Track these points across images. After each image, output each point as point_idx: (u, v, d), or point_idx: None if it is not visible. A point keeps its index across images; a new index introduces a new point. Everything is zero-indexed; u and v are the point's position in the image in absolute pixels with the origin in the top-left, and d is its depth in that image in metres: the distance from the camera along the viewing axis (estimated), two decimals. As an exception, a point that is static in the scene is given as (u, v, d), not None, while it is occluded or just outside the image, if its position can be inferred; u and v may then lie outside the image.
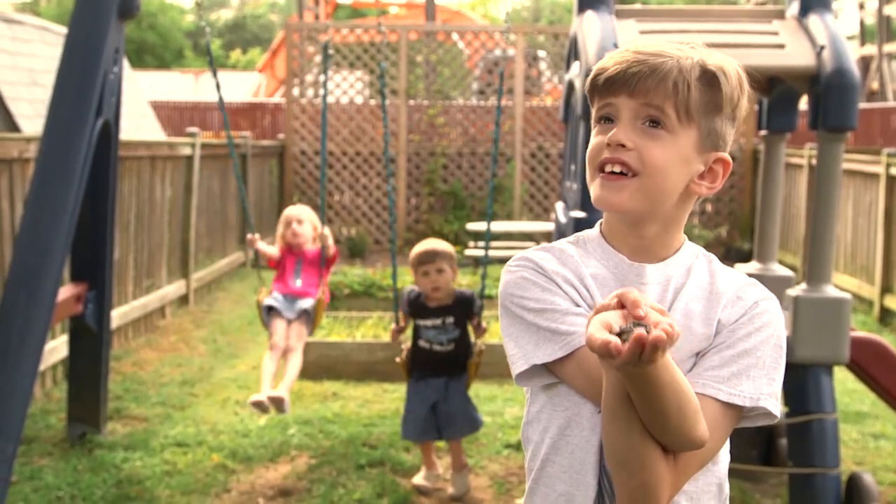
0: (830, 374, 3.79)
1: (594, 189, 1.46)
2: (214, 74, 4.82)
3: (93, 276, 4.84)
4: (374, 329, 7.01)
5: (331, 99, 12.32)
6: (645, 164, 1.42)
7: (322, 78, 4.33)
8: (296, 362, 4.75)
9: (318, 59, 12.34)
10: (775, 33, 3.99)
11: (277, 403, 4.46)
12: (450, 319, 4.31)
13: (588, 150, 1.48)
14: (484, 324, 4.40)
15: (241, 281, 10.18)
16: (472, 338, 4.41)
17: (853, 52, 4.99)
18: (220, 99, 4.85)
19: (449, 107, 12.61)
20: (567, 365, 1.43)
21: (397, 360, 4.47)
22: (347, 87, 12.65)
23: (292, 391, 4.97)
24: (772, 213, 4.61)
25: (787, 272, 4.55)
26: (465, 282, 7.76)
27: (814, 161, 4.95)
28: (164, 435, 5.06)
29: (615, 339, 1.18)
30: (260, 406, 4.46)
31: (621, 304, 1.24)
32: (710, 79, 1.44)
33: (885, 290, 8.18)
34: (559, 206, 4.96)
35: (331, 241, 4.91)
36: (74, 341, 5.04)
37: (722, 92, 1.45)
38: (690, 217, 11.28)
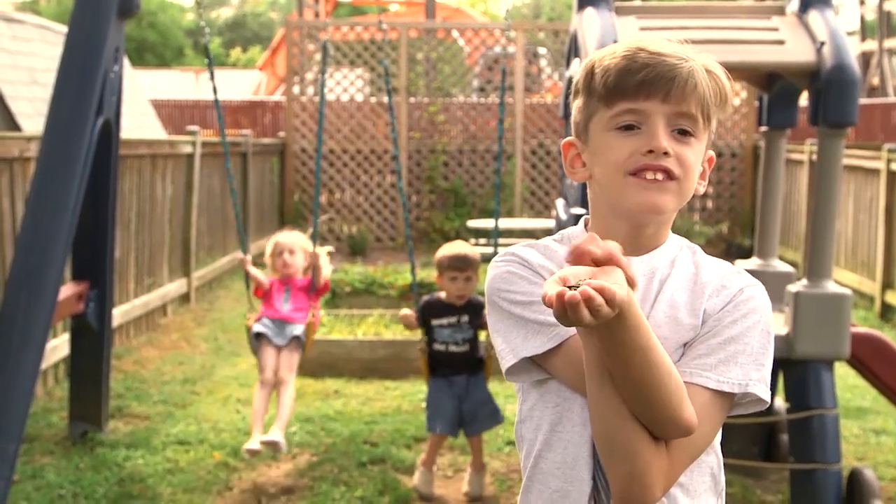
0: (831, 370, 3.80)
1: (629, 193, 1.42)
2: (212, 77, 4.82)
3: (94, 274, 4.84)
4: (375, 327, 7.00)
5: (331, 97, 12.33)
6: (684, 169, 1.43)
7: (322, 76, 4.32)
8: (288, 398, 4.58)
9: (318, 56, 12.33)
10: (775, 29, 3.99)
11: (272, 447, 4.41)
12: (465, 318, 4.31)
13: (611, 156, 1.44)
14: None
15: (242, 279, 10.12)
16: (481, 337, 4.42)
17: (853, 48, 4.99)
18: (217, 103, 4.85)
19: (449, 104, 12.61)
20: (556, 358, 1.43)
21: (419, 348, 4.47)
22: (348, 84, 12.64)
23: (289, 422, 4.78)
24: (772, 209, 4.61)
25: (788, 268, 4.56)
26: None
27: (814, 157, 4.95)
28: (165, 433, 5.06)
29: (567, 291, 1.17)
30: (255, 454, 4.43)
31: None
32: (717, 81, 1.46)
33: (886, 285, 8.18)
34: (560, 202, 4.97)
35: (326, 264, 4.76)
36: (76, 340, 5.04)
37: (726, 94, 1.47)
38: (691, 214, 11.32)
